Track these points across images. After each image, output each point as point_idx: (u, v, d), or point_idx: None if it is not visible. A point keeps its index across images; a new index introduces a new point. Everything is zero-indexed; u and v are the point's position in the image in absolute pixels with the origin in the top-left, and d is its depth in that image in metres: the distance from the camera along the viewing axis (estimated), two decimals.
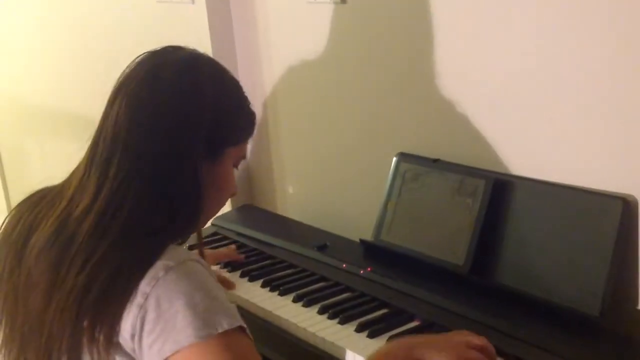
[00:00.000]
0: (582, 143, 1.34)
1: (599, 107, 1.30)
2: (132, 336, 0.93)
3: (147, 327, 0.92)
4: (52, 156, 3.15)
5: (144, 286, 0.94)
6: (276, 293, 1.51)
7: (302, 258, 1.65)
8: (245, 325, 0.97)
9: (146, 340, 0.93)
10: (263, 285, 1.55)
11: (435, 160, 1.54)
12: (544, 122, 1.39)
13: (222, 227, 1.89)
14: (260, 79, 2.04)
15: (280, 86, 2.00)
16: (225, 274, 1.63)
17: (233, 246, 1.75)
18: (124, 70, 1.09)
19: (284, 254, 1.69)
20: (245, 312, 1.48)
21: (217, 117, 1.07)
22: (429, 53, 1.57)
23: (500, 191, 1.41)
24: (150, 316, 0.92)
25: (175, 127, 1.03)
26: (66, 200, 1.04)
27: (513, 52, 1.42)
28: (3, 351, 1.06)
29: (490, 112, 1.48)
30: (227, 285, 1.54)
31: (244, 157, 1.16)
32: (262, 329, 1.43)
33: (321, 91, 1.89)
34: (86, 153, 1.07)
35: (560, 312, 1.25)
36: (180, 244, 1.10)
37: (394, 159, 1.60)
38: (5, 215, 1.13)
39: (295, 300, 1.46)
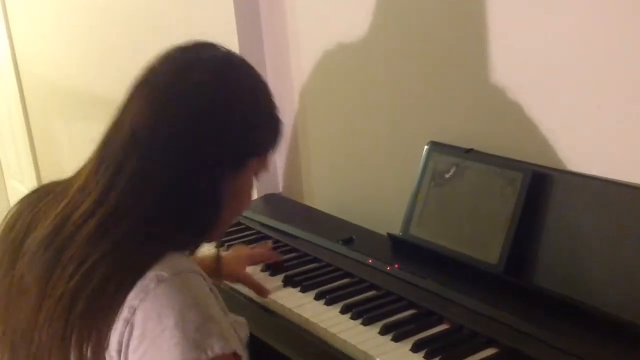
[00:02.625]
0: (633, 135, 1.22)
1: None
2: (119, 352, 0.86)
3: (132, 345, 0.85)
4: (80, 138, 3.12)
5: (132, 299, 0.86)
6: (298, 289, 1.43)
7: (326, 252, 1.57)
8: (240, 353, 0.89)
9: (132, 358, 0.85)
10: (284, 281, 1.47)
11: (469, 151, 1.43)
12: (591, 111, 1.28)
13: (246, 217, 1.81)
14: (287, 66, 1.95)
15: (308, 73, 1.90)
16: (259, 274, 1.50)
17: (269, 243, 1.62)
18: (150, 64, 1.00)
19: (308, 247, 1.61)
20: (263, 309, 1.41)
21: (245, 127, 0.99)
22: (464, 37, 1.47)
23: (539, 185, 1.29)
24: (136, 333, 0.85)
25: (201, 133, 0.95)
26: (66, 201, 0.97)
27: (557, 35, 1.30)
28: None
29: (530, 100, 1.37)
30: (261, 292, 1.41)
31: (266, 168, 1.08)
32: (281, 327, 1.36)
33: (351, 78, 1.79)
34: (97, 148, 0.99)
35: (606, 321, 1.15)
36: (190, 254, 1.02)
37: (425, 148, 1.50)
38: (9, 210, 1.07)
39: (317, 298, 1.38)
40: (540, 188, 1.29)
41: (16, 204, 1.06)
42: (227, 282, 1.45)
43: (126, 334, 0.86)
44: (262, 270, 1.52)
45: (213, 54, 1.01)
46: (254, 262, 1.51)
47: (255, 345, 1.35)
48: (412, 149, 1.56)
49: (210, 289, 0.94)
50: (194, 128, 0.94)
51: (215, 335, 0.86)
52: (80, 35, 2.96)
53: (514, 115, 1.39)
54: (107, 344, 0.87)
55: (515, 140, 1.40)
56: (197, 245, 1.02)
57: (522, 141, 1.38)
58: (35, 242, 0.96)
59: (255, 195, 2.01)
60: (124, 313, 0.86)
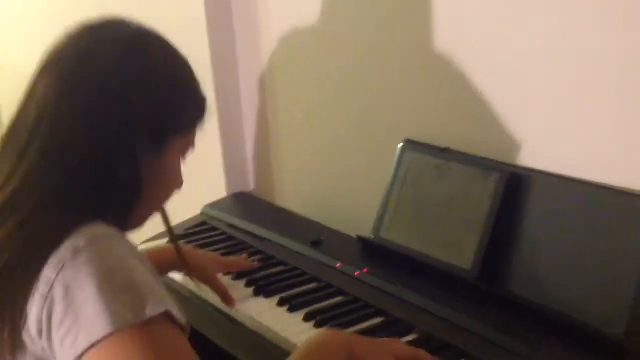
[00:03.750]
0: (614, 135, 1.15)
1: (636, 92, 1.11)
2: (39, 332, 0.79)
3: (55, 320, 0.79)
4: None
5: (48, 272, 0.80)
6: (261, 295, 1.34)
7: (294, 254, 1.49)
8: (172, 310, 0.81)
9: (56, 335, 0.79)
10: (247, 285, 1.39)
11: (444, 150, 1.36)
12: (570, 109, 1.21)
13: (212, 217, 1.73)
14: (258, 60, 1.86)
15: (278, 64, 1.82)
16: (227, 281, 1.40)
17: (244, 255, 1.50)
18: (56, 43, 0.94)
19: (274, 249, 1.52)
20: (223, 315, 1.33)
21: (161, 103, 0.93)
22: (439, 30, 1.39)
23: (516, 186, 1.22)
24: (59, 307, 0.78)
25: (112, 112, 0.89)
26: None
27: (533, 28, 1.23)
28: None
29: (508, 97, 1.30)
30: (227, 300, 1.32)
31: (192, 146, 1.01)
32: (240, 334, 1.28)
33: (322, 72, 1.71)
34: (5, 133, 0.93)
35: (579, 330, 1.07)
36: None
37: (399, 146, 1.42)
38: None
39: (280, 304, 1.30)
40: (517, 190, 1.22)
41: None
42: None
43: (45, 311, 0.79)
44: (225, 274, 1.43)
45: (124, 30, 0.95)
46: (227, 269, 1.42)
47: (214, 352, 1.28)
48: (387, 147, 1.48)
49: (139, 255, 0.87)
50: (104, 108, 0.89)
51: (144, 297, 0.80)
52: (52, 21, 2.86)
53: (491, 113, 1.32)
54: (25, 324, 0.81)
55: (493, 140, 1.32)
56: (119, 227, 0.93)
57: (499, 141, 1.31)
58: None
59: (225, 193, 1.93)
60: (41, 288, 0.80)
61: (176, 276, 1.43)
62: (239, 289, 1.37)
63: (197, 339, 1.28)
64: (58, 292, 0.79)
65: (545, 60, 1.23)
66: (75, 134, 0.88)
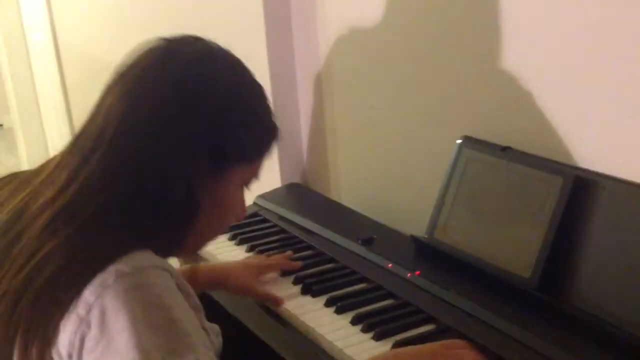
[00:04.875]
0: None
1: None
2: (70, 355, 0.77)
3: (87, 345, 0.76)
4: None
5: (88, 294, 0.77)
6: (309, 294, 1.30)
7: (344, 251, 1.44)
8: (201, 357, 0.77)
9: (86, 359, 0.76)
10: (295, 282, 1.35)
11: (505, 149, 1.28)
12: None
13: (264, 208, 1.70)
14: (315, 51, 1.81)
15: (336, 58, 1.76)
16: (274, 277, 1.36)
17: (289, 252, 1.45)
18: (126, 58, 0.93)
19: (324, 245, 1.48)
20: (267, 312, 1.29)
21: (224, 127, 0.89)
22: (504, 28, 1.31)
23: (582, 191, 1.14)
24: (93, 332, 0.76)
25: (172, 128, 0.86)
26: (30, 189, 0.90)
27: (604, 29, 1.14)
28: None
29: (576, 96, 1.21)
30: (274, 302, 1.28)
31: (256, 177, 0.97)
32: (285, 333, 1.24)
33: (380, 67, 1.64)
34: (70, 141, 0.92)
35: (638, 349, 1.00)
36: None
37: (457, 142, 1.35)
38: None
39: (327, 305, 1.26)
40: (582, 194, 1.14)
41: None
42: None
43: (79, 333, 0.77)
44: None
45: (196, 46, 0.92)
46: (266, 272, 1.37)
47: (260, 350, 1.25)
48: (446, 144, 1.40)
49: (180, 287, 0.85)
50: (166, 125, 0.87)
51: (176, 340, 0.77)
52: (119, 9, 2.88)
53: (558, 112, 1.24)
54: (55, 342, 0.79)
55: (558, 140, 1.24)
56: (167, 252, 0.91)
57: (565, 141, 1.22)
58: None
59: (279, 183, 1.90)
60: (79, 309, 0.78)
61: None
62: (286, 287, 1.34)
63: (238, 329, 1.27)
64: (94, 316, 0.77)
65: (617, 61, 1.14)
66: (135, 146, 0.86)
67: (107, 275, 0.78)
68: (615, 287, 1.08)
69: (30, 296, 0.78)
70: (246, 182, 0.97)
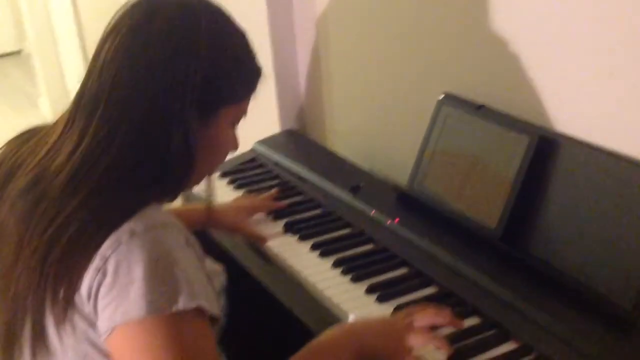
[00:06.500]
0: None
1: None
2: (88, 297, 0.88)
3: (102, 290, 0.87)
4: None
5: (105, 249, 0.87)
6: (296, 237, 1.42)
7: (332, 198, 1.55)
8: (205, 304, 0.89)
9: (100, 302, 0.88)
10: (285, 227, 1.46)
11: (480, 107, 1.37)
12: (615, 77, 1.18)
13: (261, 154, 1.80)
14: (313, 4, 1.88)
15: (332, 9, 1.83)
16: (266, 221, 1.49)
17: (273, 191, 1.57)
18: (117, 11, 0.98)
19: (315, 192, 1.59)
20: (259, 254, 1.42)
21: (211, 73, 0.96)
22: None
23: (545, 150, 1.23)
24: (107, 280, 0.87)
25: (164, 81, 0.93)
26: (46, 149, 0.97)
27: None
28: None
29: (548, 57, 1.28)
30: (260, 240, 1.42)
31: (243, 115, 1.05)
32: (275, 273, 1.36)
33: (373, 21, 1.71)
34: (73, 100, 0.99)
35: (591, 299, 1.11)
36: (169, 202, 1.02)
37: (437, 100, 1.44)
38: None
39: (313, 248, 1.38)
40: (546, 154, 1.23)
41: (3, 146, 1.07)
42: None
43: (96, 281, 0.87)
44: (267, 214, 1.51)
45: (176, 0, 0.98)
46: (254, 212, 1.50)
47: (253, 286, 1.38)
48: (432, 99, 1.48)
49: (188, 240, 0.93)
50: (157, 76, 0.93)
51: (182, 290, 0.87)
52: None
53: (530, 72, 1.31)
54: (79, 288, 0.89)
55: (529, 99, 1.32)
56: (173, 196, 1.01)
57: (534, 102, 1.30)
58: (15, 190, 0.98)
59: (278, 128, 1.99)
60: (96, 262, 0.87)
61: None
62: (275, 230, 1.45)
63: (237, 269, 1.39)
64: (110, 267, 0.86)
65: (594, 26, 1.20)
66: (133, 101, 0.92)
67: (122, 233, 0.87)
68: (571, 240, 1.18)
69: (57, 252, 0.89)
70: (236, 120, 1.04)
